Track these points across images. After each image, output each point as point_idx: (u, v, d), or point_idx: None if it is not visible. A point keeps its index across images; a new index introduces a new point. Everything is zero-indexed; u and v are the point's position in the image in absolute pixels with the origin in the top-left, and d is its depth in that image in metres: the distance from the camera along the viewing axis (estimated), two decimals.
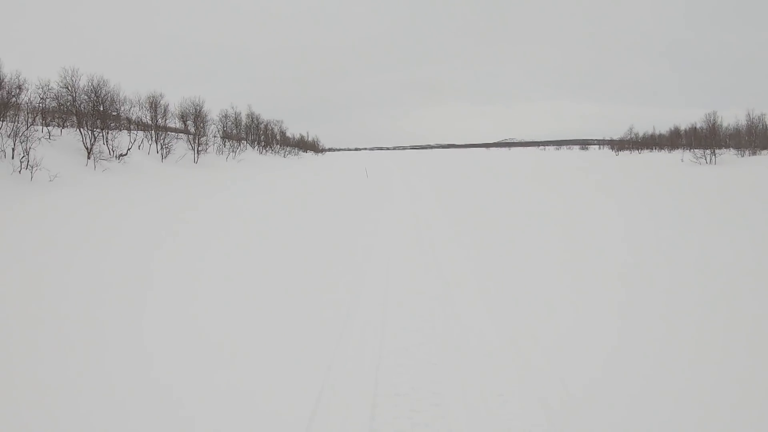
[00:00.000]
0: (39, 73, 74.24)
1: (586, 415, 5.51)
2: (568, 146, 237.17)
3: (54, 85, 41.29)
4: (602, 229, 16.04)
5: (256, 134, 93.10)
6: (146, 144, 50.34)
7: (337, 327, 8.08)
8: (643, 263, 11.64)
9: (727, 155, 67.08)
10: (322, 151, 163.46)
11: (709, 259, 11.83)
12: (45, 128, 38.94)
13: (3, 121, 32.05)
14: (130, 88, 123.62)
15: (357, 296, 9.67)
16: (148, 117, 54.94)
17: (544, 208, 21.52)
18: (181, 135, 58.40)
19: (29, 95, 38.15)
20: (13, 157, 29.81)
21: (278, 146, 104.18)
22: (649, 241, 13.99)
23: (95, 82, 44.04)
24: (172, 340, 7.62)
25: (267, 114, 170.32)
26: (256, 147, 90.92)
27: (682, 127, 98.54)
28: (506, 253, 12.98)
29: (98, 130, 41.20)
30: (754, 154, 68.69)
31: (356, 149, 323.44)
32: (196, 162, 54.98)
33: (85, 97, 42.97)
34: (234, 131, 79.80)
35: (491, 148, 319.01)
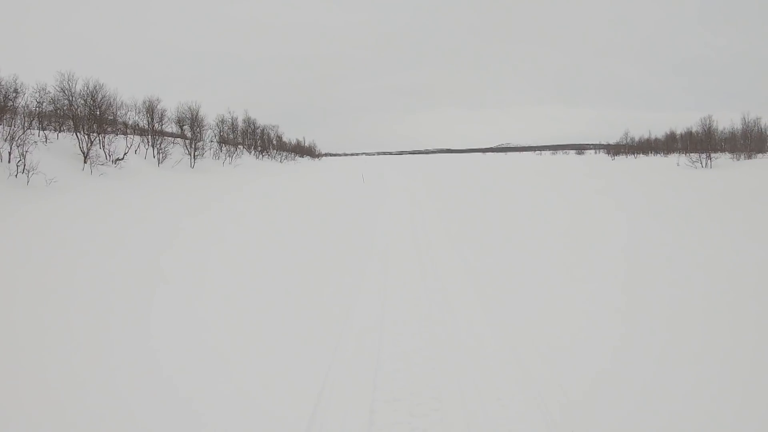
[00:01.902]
0: (37, 78, 74.05)
1: (586, 420, 5.50)
2: (564, 151, 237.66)
3: (51, 89, 41.25)
4: (605, 233, 16.05)
5: (252, 139, 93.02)
6: (143, 149, 50.23)
7: (338, 324, 8.08)
8: (645, 265, 11.65)
9: (723, 159, 67.30)
10: (319, 156, 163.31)
11: (710, 262, 11.84)
12: (41, 132, 38.82)
13: (0, 124, 31.98)
14: (127, 93, 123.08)
15: (358, 293, 9.68)
16: (144, 121, 54.93)
17: (550, 213, 21.54)
18: (178, 140, 58.30)
19: (26, 99, 38.09)
20: (9, 161, 29.69)
21: (275, 151, 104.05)
22: (651, 244, 14.00)
23: (91, 86, 44.00)
24: (173, 342, 7.60)
25: (263, 119, 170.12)
26: (253, 152, 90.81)
27: (678, 131, 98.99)
28: (513, 258, 13.00)
29: (95, 134, 41.10)
30: (749, 157, 68.97)
31: (353, 154, 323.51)
32: (192, 167, 54.89)
33: (82, 101, 42.92)
34: (230, 136, 79.73)
35: (488, 153, 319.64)
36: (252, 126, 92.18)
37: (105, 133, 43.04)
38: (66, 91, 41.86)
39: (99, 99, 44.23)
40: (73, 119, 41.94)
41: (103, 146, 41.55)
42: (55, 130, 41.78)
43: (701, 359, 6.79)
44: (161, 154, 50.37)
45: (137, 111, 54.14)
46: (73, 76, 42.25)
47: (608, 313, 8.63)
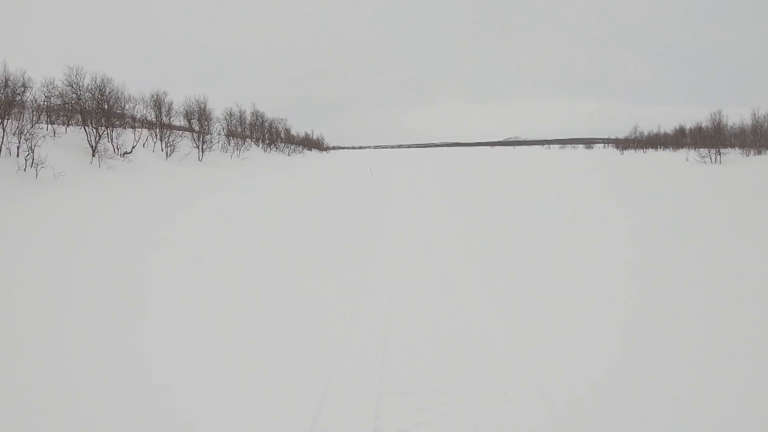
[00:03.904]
0: (44, 73, 74.33)
1: (592, 416, 5.50)
2: (572, 145, 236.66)
3: (59, 84, 41.42)
4: (612, 230, 15.99)
5: (260, 132, 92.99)
6: (150, 142, 50.37)
7: (345, 314, 8.11)
8: (650, 264, 11.60)
9: (732, 154, 66.69)
10: (327, 149, 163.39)
11: (717, 260, 11.77)
12: (50, 126, 39.00)
13: (8, 119, 32.11)
14: (135, 87, 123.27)
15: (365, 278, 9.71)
16: (152, 115, 55.06)
17: (559, 210, 21.48)
18: (186, 133, 58.42)
19: (34, 93, 38.28)
20: (18, 155, 29.88)
21: (283, 144, 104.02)
22: (658, 241, 13.93)
23: (99, 80, 44.14)
24: (172, 339, 7.64)
25: (271, 113, 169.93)
26: (261, 145, 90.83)
27: (687, 126, 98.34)
28: (519, 257, 12.97)
29: (103, 128, 41.27)
30: (759, 153, 68.37)
31: (360, 147, 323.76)
32: (200, 160, 55.02)
33: (90, 95, 43.06)
34: (238, 129, 79.78)
35: (496, 147, 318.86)
36: (260, 119, 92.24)
37: (113, 127, 43.22)
38: (74, 85, 42.04)
39: (107, 93, 44.40)
40: (81, 113, 42.11)
41: (111, 140, 41.73)
42: (64, 124, 42.00)
43: (705, 358, 6.76)
44: (169, 148, 50.46)
45: (145, 105, 54.35)
46: (81, 70, 42.46)
47: (612, 312, 8.61)
